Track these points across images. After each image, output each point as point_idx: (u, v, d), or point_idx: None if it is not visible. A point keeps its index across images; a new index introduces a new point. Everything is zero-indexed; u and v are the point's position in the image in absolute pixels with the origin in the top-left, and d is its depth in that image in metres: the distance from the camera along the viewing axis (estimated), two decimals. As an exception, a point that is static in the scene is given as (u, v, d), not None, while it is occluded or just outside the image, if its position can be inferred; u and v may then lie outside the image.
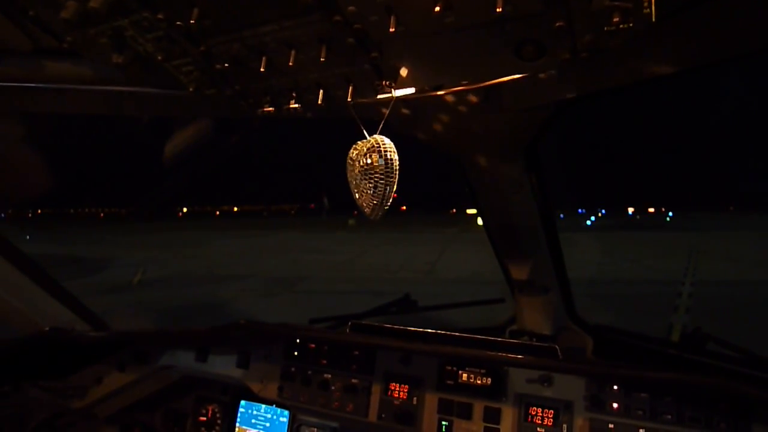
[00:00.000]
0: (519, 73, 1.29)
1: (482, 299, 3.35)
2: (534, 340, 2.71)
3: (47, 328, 2.84)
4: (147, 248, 32.14)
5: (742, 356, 2.48)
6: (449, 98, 1.61)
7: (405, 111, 1.73)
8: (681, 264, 21.70)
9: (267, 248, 32.87)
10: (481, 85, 1.41)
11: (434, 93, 1.50)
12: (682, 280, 17.50)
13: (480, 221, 2.57)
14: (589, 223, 64.26)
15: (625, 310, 12.28)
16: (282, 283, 18.18)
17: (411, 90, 1.42)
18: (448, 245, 32.34)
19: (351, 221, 61.99)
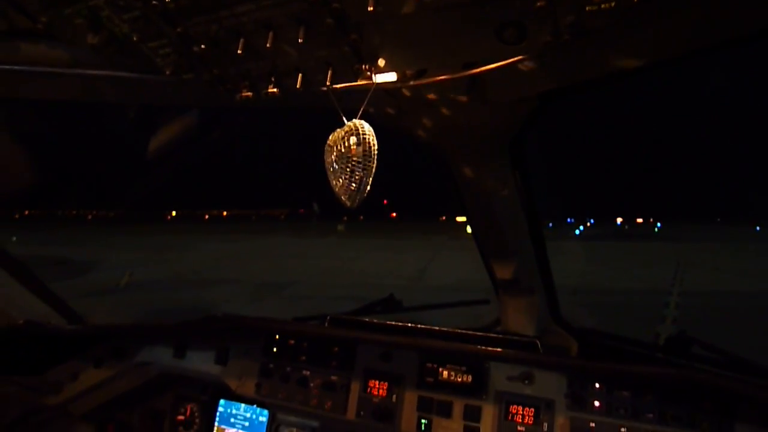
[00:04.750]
0: (501, 59, 1.28)
1: (467, 300, 3.33)
2: None
3: (21, 321, 2.78)
4: (135, 251, 31.83)
5: (726, 359, 2.48)
6: (432, 89, 1.59)
7: (387, 102, 1.71)
8: (668, 274, 21.85)
9: (256, 252, 32.70)
10: (464, 74, 1.39)
11: (416, 82, 1.47)
12: (669, 290, 17.61)
13: (469, 229, 2.55)
14: (577, 232, 64.62)
15: (612, 320, 12.30)
16: (270, 288, 18.09)
17: (392, 76, 1.40)
18: (438, 252, 32.34)
19: (340, 227, 61.95)
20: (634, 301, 15.75)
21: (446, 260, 27.53)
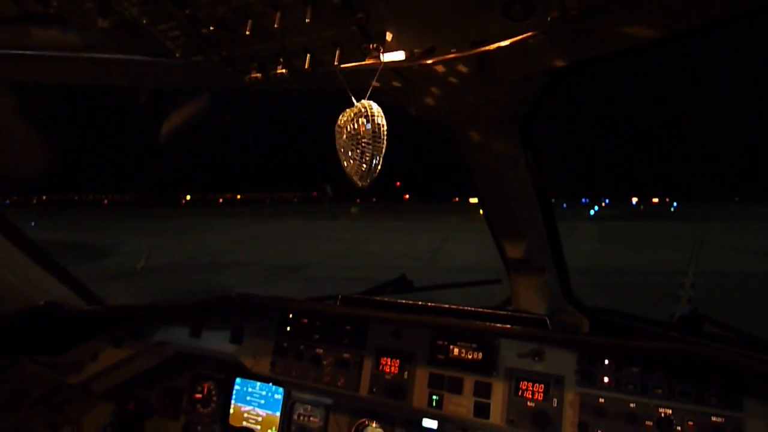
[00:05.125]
0: (509, 36, 1.27)
1: (478, 280, 3.35)
2: None
3: (42, 303, 2.85)
4: (151, 235, 32.26)
5: (738, 337, 2.48)
6: (440, 68, 1.58)
7: (396, 82, 1.70)
8: (684, 254, 21.65)
9: (270, 236, 32.99)
10: (473, 52, 1.39)
11: (424, 61, 1.47)
12: (685, 271, 17.48)
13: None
14: (592, 212, 64.07)
15: (628, 301, 12.26)
16: (284, 270, 18.30)
17: (400, 54, 1.40)
18: (451, 234, 32.33)
19: (353, 209, 62.34)
20: (650, 282, 15.66)
21: (459, 242, 27.53)
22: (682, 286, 14.62)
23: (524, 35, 1.27)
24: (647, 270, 18.14)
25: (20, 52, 1.67)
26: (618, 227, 38.88)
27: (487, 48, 1.34)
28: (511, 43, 1.31)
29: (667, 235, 32.09)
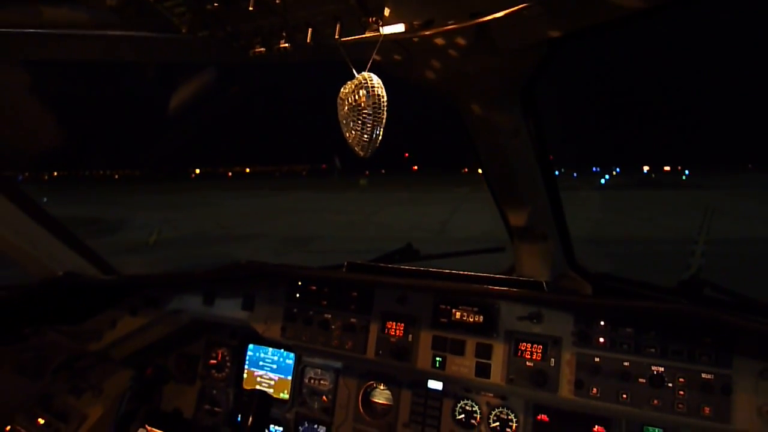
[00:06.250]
0: (505, 7, 1.30)
1: (483, 248, 3.41)
2: None
3: (61, 273, 2.95)
4: (161, 209, 32.50)
5: (736, 301, 2.53)
6: (440, 39, 1.61)
7: (397, 54, 1.74)
8: (696, 223, 21.48)
9: (279, 208, 33.14)
10: (471, 23, 1.41)
11: (424, 33, 1.50)
12: (695, 239, 17.38)
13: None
14: (603, 181, 63.51)
15: (637, 270, 12.27)
16: (294, 243, 18.46)
17: (400, 27, 1.43)
18: (460, 205, 32.30)
19: (362, 181, 62.23)
20: (661, 250, 15.63)
21: (469, 213, 27.51)
22: (692, 255, 14.56)
23: (520, 6, 1.30)
24: (658, 238, 18.10)
25: (31, 30, 1.72)
26: (629, 196, 38.60)
27: (484, 19, 1.37)
28: (507, 14, 1.33)
29: (678, 204, 31.81)
